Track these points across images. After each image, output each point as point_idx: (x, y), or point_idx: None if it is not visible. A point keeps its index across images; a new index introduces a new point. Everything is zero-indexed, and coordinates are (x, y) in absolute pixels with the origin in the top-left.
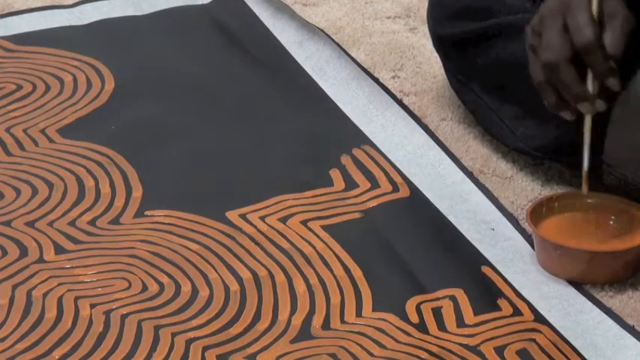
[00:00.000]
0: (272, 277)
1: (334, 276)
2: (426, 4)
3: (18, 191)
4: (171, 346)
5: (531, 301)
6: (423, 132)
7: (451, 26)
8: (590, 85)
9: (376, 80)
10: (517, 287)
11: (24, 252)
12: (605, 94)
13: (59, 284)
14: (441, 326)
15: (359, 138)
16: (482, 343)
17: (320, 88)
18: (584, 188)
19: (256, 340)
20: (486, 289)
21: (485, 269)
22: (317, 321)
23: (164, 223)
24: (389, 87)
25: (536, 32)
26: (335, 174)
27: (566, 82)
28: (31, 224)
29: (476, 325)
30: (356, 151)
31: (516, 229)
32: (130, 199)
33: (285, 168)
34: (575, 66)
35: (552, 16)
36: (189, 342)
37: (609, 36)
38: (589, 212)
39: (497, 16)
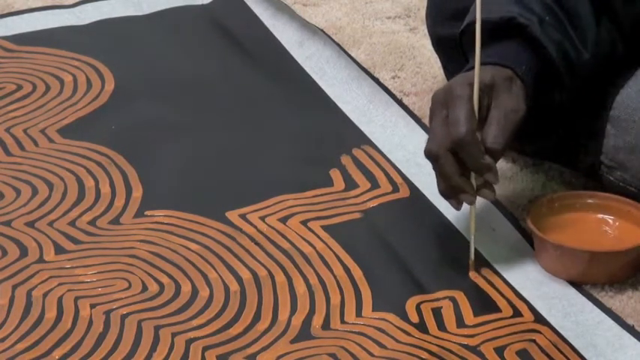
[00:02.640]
0: (272, 277)
1: (334, 276)
2: (426, 4)
3: (18, 191)
4: (172, 346)
5: (531, 301)
6: (423, 132)
7: (450, 27)
8: (473, 177)
9: (376, 80)
10: (517, 287)
11: (24, 252)
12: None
13: (59, 284)
14: (441, 326)
15: (359, 138)
16: (482, 343)
17: (320, 88)
18: (470, 272)
19: (256, 340)
20: (486, 290)
21: (485, 269)
22: (317, 321)
23: (164, 223)
24: (389, 87)
25: (430, 117)
26: (335, 174)
27: (445, 172)
28: (31, 224)
29: (476, 325)
30: (356, 151)
31: (516, 229)
32: (130, 199)
33: (285, 168)
34: (456, 157)
35: (439, 104)
36: (189, 342)
37: (490, 129)
38: (589, 212)
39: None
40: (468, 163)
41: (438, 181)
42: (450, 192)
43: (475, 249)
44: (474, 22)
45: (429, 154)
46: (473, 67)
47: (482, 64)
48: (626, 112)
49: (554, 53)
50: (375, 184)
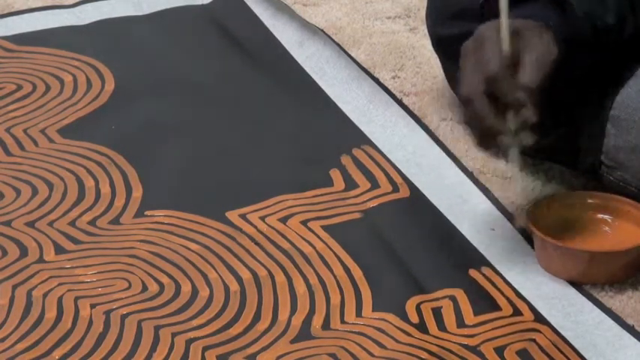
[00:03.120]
0: (272, 277)
1: (334, 276)
2: (426, 4)
3: (18, 191)
4: (172, 346)
5: (531, 301)
6: (423, 132)
7: (450, 27)
8: (512, 119)
9: (376, 80)
10: (517, 287)
11: (24, 252)
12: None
13: (59, 284)
14: (441, 326)
15: (359, 138)
16: (482, 343)
17: (320, 88)
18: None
19: (256, 340)
20: (486, 290)
21: (485, 269)
22: (317, 321)
23: (164, 223)
24: (389, 87)
25: (460, 67)
26: (335, 174)
27: (481, 115)
28: (31, 224)
29: (476, 325)
30: (356, 151)
31: (516, 229)
32: (130, 199)
33: (285, 168)
34: (491, 100)
35: (469, 51)
36: (189, 342)
37: (523, 68)
38: (589, 212)
39: (496, 16)
40: (504, 97)
41: (474, 134)
42: (489, 139)
43: (475, 249)
44: None
45: (463, 98)
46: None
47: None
48: (626, 111)
49: (580, 13)
50: (375, 184)
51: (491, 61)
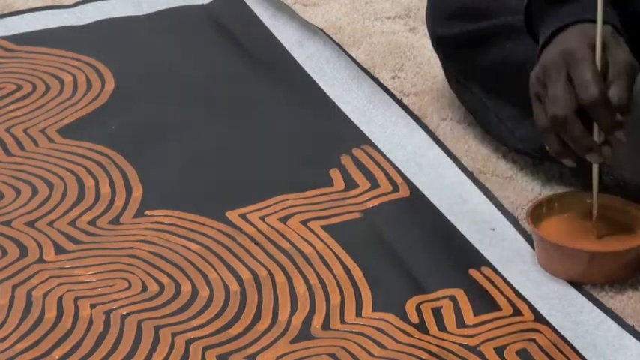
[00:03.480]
0: (272, 277)
1: (334, 276)
2: (426, 4)
3: (18, 191)
4: (171, 346)
5: (531, 301)
6: (423, 132)
7: (450, 27)
8: (596, 136)
9: (376, 80)
10: (517, 287)
11: (24, 252)
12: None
13: (59, 284)
14: (441, 326)
15: (359, 138)
16: (482, 343)
17: (320, 88)
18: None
19: (256, 340)
20: (486, 289)
21: (485, 269)
22: (317, 321)
23: (164, 223)
24: (389, 87)
25: (541, 82)
26: (335, 174)
27: (573, 135)
28: (31, 224)
29: (476, 325)
30: (356, 151)
31: (516, 229)
32: (130, 199)
33: (285, 168)
34: (581, 118)
35: (556, 67)
36: (189, 342)
37: (614, 88)
38: (589, 212)
39: (497, 16)
40: (600, 123)
41: (551, 144)
42: (568, 151)
43: (475, 249)
44: None
45: (555, 119)
46: (562, 26)
47: (578, 21)
48: None
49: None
50: (375, 184)
51: (590, 85)
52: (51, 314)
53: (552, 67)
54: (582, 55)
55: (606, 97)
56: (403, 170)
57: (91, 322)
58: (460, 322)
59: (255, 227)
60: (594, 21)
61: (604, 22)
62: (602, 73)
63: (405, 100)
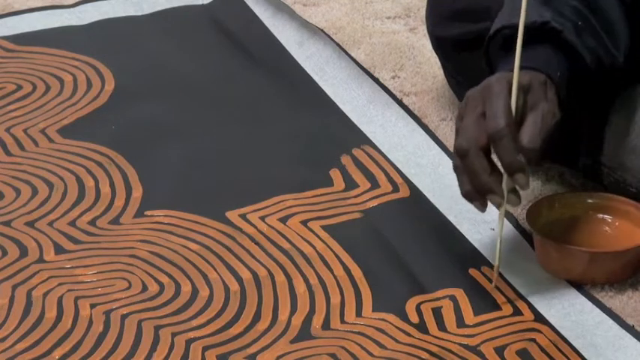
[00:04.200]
0: (272, 277)
1: (334, 276)
2: (425, 4)
3: (18, 191)
4: (171, 346)
5: (531, 301)
6: (423, 132)
7: (449, 28)
8: (505, 182)
9: (376, 80)
10: (517, 287)
11: (24, 252)
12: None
13: (59, 284)
14: (441, 326)
15: (359, 138)
16: (482, 343)
17: (320, 88)
18: (494, 282)
19: (256, 340)
20: (486, 289)
21: (485, 269)
22: (317, 321)
23: (164, 223)
24: (389, 87)
25: (461, 115)
26: (335, 174)
27: (474, 170)
28: (31, 224)
29: (476, 325)
30: (356, 151)
31: (516, 229)
32: (130, 199)
33: (285, 168)
34: (488, 157)
35: (474, 101)
36: (189, 342)
37: (527, 129)
38: (589, 212)
39: (495, 17)
40: (502, 159)
41: (461, 182)
42: (475, 193)
43: (475, 248)
44: (504, 28)
45: (459, 150)
46: (508, 70)
47: (525, 67)
48: (626, 112)
49: (588, 59)
50: (375, 184)
51: (498, 117)
52: (51, 314)
53: (470, 101)
54: (498, 90)
55: (513, 133)
56: (403, 170)
57: (91, 322)
58: (460, 322)
59: (255, 227)
60: (533, 68)
61: (539, 71)
62: (520, 115)
63: (405, 100)
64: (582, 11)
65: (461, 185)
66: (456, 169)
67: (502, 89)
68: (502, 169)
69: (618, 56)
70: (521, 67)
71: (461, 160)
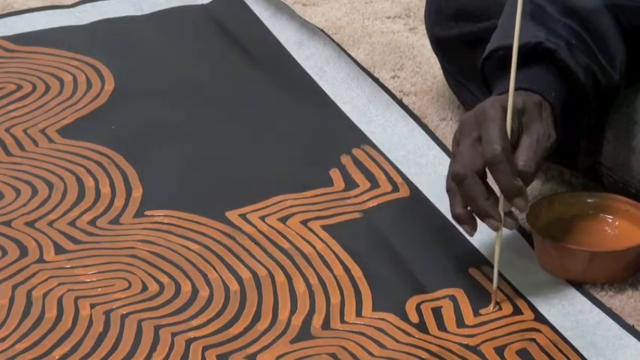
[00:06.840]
0: (272, 277)
1: (334, 276)
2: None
3: (18, 191)
4: (171, 346)
5: (531, 300)
6: (423, 132)
7: (449, 28)
8: (502, 206)
9: (376, 80)
10: (517, 287)
11: (24, 252)
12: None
13: (59, 284)
14: (441, 326)
15: (359, 138)
16: (482, 343)
17: (320, 88)
18: (492, 304)
19: (256, 340)
20: (486, 289)
21: (485, 269)
22: (317, 321)
23: (164, 223)
24: (389, 87)
25: (456, 140)
26: (335, 174)
27: (471, 195)
28: (31, 224)
29: (476, 325)
30: (356, 151)
31: (516, 229)
32: (129, 199)
33: (285, 168)
34: (484, 181)
35: (469, 126)
36: (189, 342)
37: (522, 153)
38: (589, 212)
39: (495, 17)
40: (500, 184)
41: (453, 204)
42: (467, 216)
43: (475, 248)
44: (499, 49)
45: (456, 175)
46: (503, 92)
47: (520, 89)
48: (626, 112)
49: (582, 78)
50: (374, 184)
51: (494, 142)
52: (51, 314)
53: (465, 125)
54: (493, 115)
55: (510, 158)
56: (403, 170)
57: (91, 322)
58: (460, 322)
59: (255, 227)
60: (528, 89)
61: (533, 91)
62: (516, 138)
63: (405, 100)
64: (576, 29)
65: (452, 207)
66: (449, 191)
67: (497, 114)
68: (499, 193)
69: (614, 74)
70: (516, 88)
71: (458, 185)
